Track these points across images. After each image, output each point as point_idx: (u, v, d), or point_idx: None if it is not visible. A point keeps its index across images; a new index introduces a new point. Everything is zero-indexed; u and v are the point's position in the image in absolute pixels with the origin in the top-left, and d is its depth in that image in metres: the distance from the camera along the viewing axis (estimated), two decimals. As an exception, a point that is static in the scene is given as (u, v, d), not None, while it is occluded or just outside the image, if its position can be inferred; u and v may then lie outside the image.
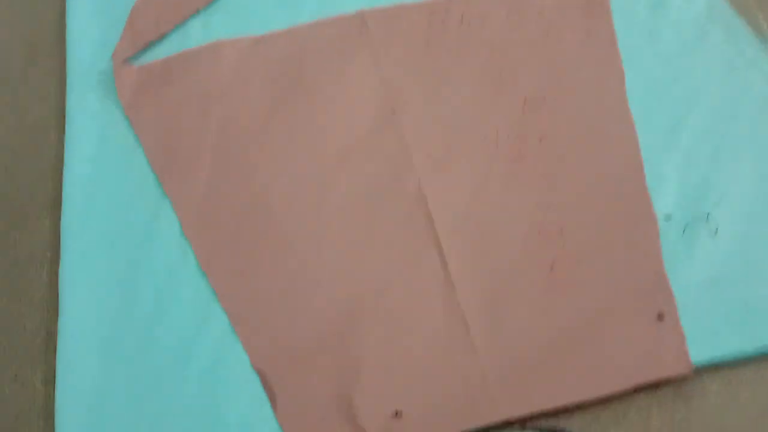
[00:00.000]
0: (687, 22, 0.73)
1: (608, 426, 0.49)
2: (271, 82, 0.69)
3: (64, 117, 0.67)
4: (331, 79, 0.69)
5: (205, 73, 0.69)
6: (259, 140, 0.65)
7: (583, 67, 0.69)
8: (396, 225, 0.59)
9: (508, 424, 0.48)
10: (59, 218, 0.60)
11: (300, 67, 0.70)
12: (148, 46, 0.72)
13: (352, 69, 0.70)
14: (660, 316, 0.52)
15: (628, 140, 0.63)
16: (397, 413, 0.49)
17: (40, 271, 0.58)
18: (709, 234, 0.57)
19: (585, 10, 0.73)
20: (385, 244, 0.58)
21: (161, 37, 0.73)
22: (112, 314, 0.55)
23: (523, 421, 0.48)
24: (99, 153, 0.64)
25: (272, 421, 0.50)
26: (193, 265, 0.58)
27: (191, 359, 0.53)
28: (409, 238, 0.58)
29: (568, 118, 0.65)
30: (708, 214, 0.58)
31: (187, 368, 0.53)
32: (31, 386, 0.52)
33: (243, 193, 0.62)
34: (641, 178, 0.60)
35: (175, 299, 0.56)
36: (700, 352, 0.51)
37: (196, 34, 0.73)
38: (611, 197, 0.59)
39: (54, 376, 0.51)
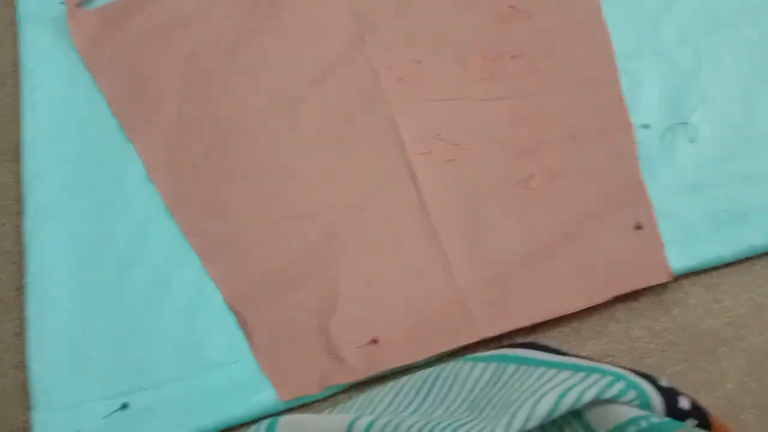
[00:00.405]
0: None
1: (588, 338, 0.48)
2: (235, 11, 0.66)
3: (18, 64, 0.64)
4: (297, 4, 0.66)
5: (166, 7, 0.66)
6: (225, 71, 0.63)
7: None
8: (368, 152, 0.58)
9: (483, 342, 0.47)
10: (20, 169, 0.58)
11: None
12: (101, -13, 0.69)
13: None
14: (638, 226, 0.51)
15: (602, 47, 0.61)
16: (374, 340, 0.48)
17: (5, 222, 0.56)
18: (688, 140, 0.55)
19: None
20: (357, 172, 0.57)
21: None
22: (83, 261, 0.54)
23: (499, 338, 0.47)
24: (58, 99, 0.62)
25: (251, 355, 0.49)
26: (163, 207, 0.56)
27: (167, 299, 0.52)
28: (381, 164, 0.57)
29: (541, 29, 0.63)
30: (687, 121, 0.56)
31: (164, 308, 0.52)
32: (3, 341, 0.51)
33: (211, 126, 0.60)
34: (616, 87, 0.58)
35: (148, 242, 0.55)
36: (680, 259, 0.50)
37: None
38: (586, 108, 0.57)
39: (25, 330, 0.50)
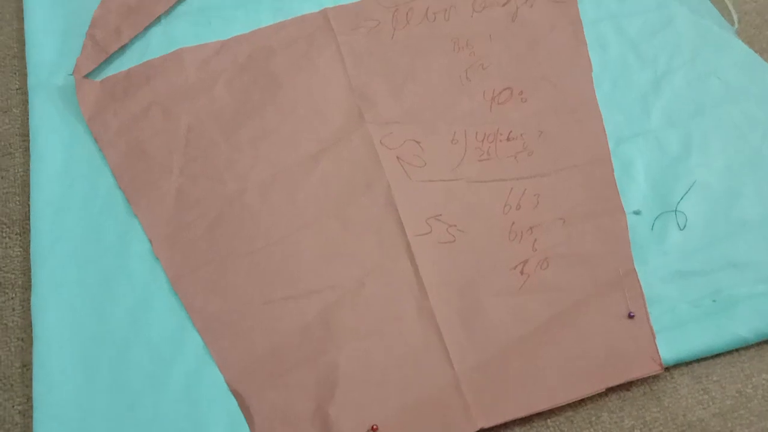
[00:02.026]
0: (652, 6, 0.72)
1: (582, 427, 0.49)
2: (236, 86, 0.68)
3: (28, 134, 0.66)
4: (298, 81, 0.68)
5: (168, 81, 0.68)
6: (226, 146, 0.64)
7: (549, 56, 0.69)
8: (367, 231, 0.59)
9: (482, 432, 0.48)
10: (29, 242, 0.59)
11: (265, 69, 0.69)
12: (109, 57, 0.70)
13: (318, 68, 0.69)
14: (630, 316, 0.52)
15: (595, 130, 0.63)
16: (373, 428, 0.49)
17: (12, 296, 0.57)
18: (678, 228, 0.57)
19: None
20: (356, 252, 0.58)
21: (122, 48, 0.71)
22: (86, 338, 0.55)
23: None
24: (65, 171, 0.64)
25: (251, 439, 0.50)
26: (166, 283, 0.57)
27: (168, 379, 0.53)
28: (380, 244, 0.58)
29: (536, 110, 0.65)
30: (676, 208, 0.58)
31: (165, 388, 0.53)
32: (9, 419, 0.52)
33: (212, 201, 0.61)
34: (609, 171, 0.60)
35: (150, 319, 0.56)
36: (670, 349, 0.51)
37: (157, 43, 0.72)
38: (579, 191, 0.59)
39: (31, 408, 0.51)
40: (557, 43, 0.69)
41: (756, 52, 0.69)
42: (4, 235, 0.60)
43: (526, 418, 0.50)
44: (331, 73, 0.68)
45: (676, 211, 0.58)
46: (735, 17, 0.72)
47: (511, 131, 0.63)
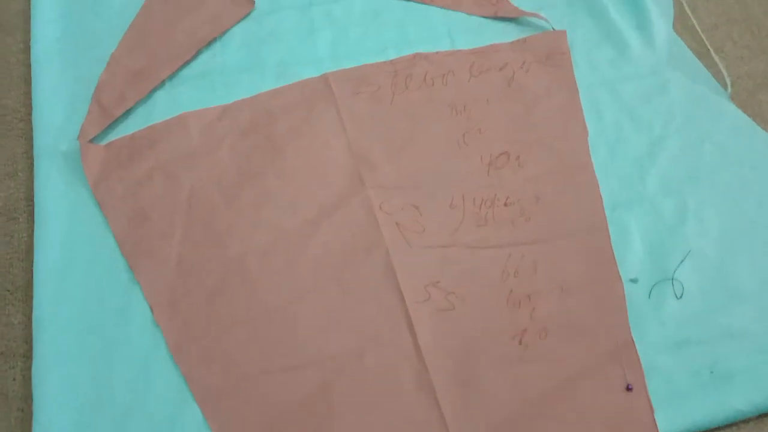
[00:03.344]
0: (647, 72, 0.74)
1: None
2: (239, 150, 0.69)
3: (32, 198, 0.67)
4: (299, 145, 0.69)
5: (172, 145, 0.69)
6: (227, 210, 0.65)
7: (546, 121, 0.70)
8: (366, 298, 0.59)
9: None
10: (31, 309, 0.59)
11: (267, 133, 0.70)
12: (114, 121, 0.72)
13: (319, 133, 0.70)
14: (629, 388, 0.53)
15: (591, 195, 0.64)
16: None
17: (13, 365, 0.57)
18: (675, 296, 0.57)
19: (547, 63, 0.74)
20: (355, 320, 0.58)
21: (127, 111, 0.72)
22: (86, 408, 0.55)
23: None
24: (69, 237, 0.64)
25: None
26: (167, 351, 0.58)
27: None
28: (379, 312, 0.59)
29: (532, 175, 0.66)
30: (673, 276, 0.58)
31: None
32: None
33: (212, 267, 0.62)
34: (606, 239, 0.61)
35: (149, 389, 0.56)
36: (669, 422, 0.51)
37: (161, 107, 0.74)
38: (576, 259, 0.60)
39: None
40: (553, 107, 0.71)
41: (749, 116, 0.70)
42: (7, 302, 0.61)
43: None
44: (332, 137, 0.70)
45: (672, 279, 0.58)
46: (728, 81, 0.73)
47: (508, 196, 0.64)
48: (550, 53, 0.74)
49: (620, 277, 0.58)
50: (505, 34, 0.78)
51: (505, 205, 0.64)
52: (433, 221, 0.63)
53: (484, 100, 0.72)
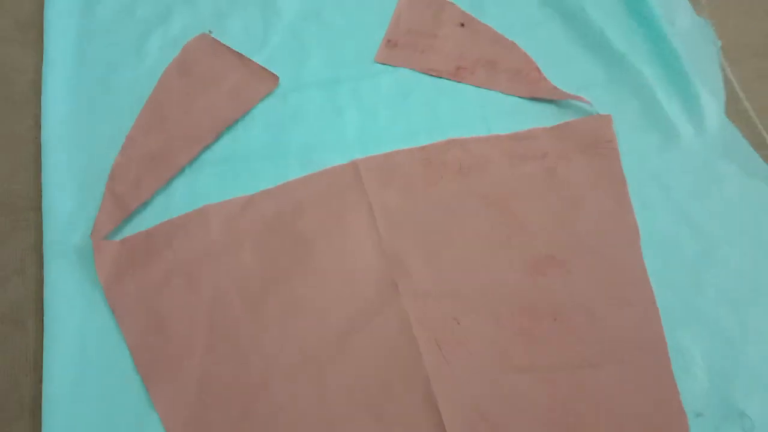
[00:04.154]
0: (699, 164, 0.69)
1: None
2: (263, 249, 0.65)
3: (41, 299, 0.62)
4: (328, 244, 0.65)
5: (192, 243, 0.65)
6: (252, 322, 0.61)
7: (592, 220, 0.65)
8: (403, 430, 0.54)
9: None
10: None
11: (293, 229, 0.66)
12: (130, 215, 0.67)
13: (349, 230, 0.66)
14: None
15: (648, 318, 0.59)
16: None
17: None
18: (745, 434, 0.52)
19: (591, 152, 0.69)
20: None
21: (143, 204, 0.68)
22: None
23: None
24: (80, 351, 0.60)
25: None
26: (185, 485, 0.53)
27: None
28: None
29: (582, 286, 0.61)
30: (739, 407, 0.53)
31: None
32: None
33: (235, 389, 0.57)
34: (667, 369, 0.56)
35: None
36: None
37: (180, 196, 0.69)
38: (634, 393, 0.55)
39: None
40: (600, 204, 0.66)
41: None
42: (12, 429, 0.56)
43: None
44: (363, 234, 0.65)
45: (740, 414, 0.53)
46: (787, 176, 0.68)
47: (556, 310, 0.59)
48: (595, 141, 0.70)
49: (684, 412, 0.53)
50: (544, 116, 0.73)
51: (554, 320, 0.59)
52: (476, 338, 0.58)
53: (525, 194, 0.67)
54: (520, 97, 0.75)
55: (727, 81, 0.74)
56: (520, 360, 0.57)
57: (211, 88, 0.77)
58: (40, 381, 0.58)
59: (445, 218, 0.66)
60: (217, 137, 0.73)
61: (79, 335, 0.60)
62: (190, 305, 0.61)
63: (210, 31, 0.82)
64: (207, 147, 0.73)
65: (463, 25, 0.81)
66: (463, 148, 0.70)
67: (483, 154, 0.70)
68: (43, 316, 0.62)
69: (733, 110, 0.73)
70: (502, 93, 0.76)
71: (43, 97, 0.76)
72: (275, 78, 0.77)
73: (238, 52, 0.79)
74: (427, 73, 0.77)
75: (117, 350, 0.60)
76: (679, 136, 0.71)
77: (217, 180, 0.70)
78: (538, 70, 0.76)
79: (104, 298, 0.62)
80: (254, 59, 0.79)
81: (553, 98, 0.74)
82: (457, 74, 0.77)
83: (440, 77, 0.77)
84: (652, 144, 0.70)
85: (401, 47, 0.79)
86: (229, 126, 0.74)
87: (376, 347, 0.58)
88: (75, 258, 0.65)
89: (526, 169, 0.68)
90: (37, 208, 0.69)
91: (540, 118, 0.73)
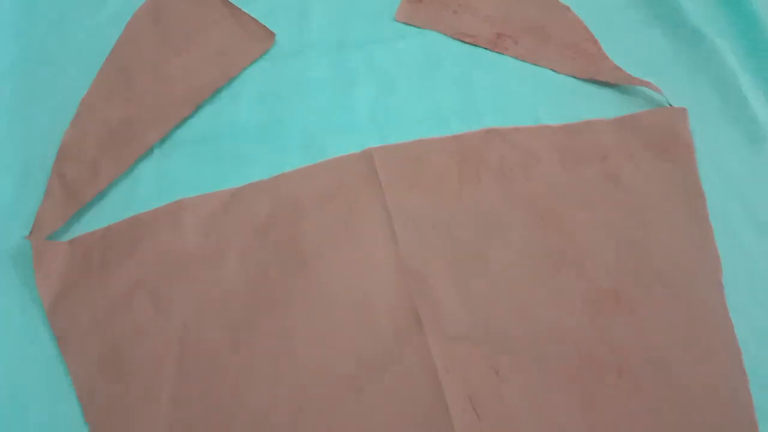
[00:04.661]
0: (795, 176, 0.56)
1: None
2: (251, 262, 0.51)
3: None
4: (333, 259, 0.52)
5: (161, 249, 0.51)
6: (236, 361, 0.48)
7: (664, 246, 0.52)
8: None
9: None
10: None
11: (291, 237, 0.52)
12: (83, 206, 0.53)
13: (361, 241, 0.52)
14: None
15: (733, 375, 0.47)
16: None
17: None
18: None
19: (662, 155, 0.56)
20: None
21: (100, 192, 0.54)
22: None
23: None
24: (9, 392, 0.46)
25: None
26: None
27: None
28: None
29: (649, 329, 0.49)
30: None
31: None
32: None
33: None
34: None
35: None
36: None
37: (147, 183, 0.55)
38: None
39: None
40: (674, 225, 0.53)
41: None
42: None
43: None
44: (379, 247, 0.52)
45: None
46: None
47: (621, 363, 0.47)
48: (667, 141, 0.56)
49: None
50: (603, 103, 0.59)
51: (619, 375, 0.46)
52: (520, 396, 0.46)
53: (581, 205, 0.54)
54: (573, 77, 0.61)
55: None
56: (574, 426, 0.45)
57: (190, 45, 0.61)
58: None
59: (480, 231, 0.52)
60: (196, 109, 0.58)
61: (10, 370, 0.47)
62: (157, 333, 0.48)
63: (191, -31, 0.65)
64: (183, 121, 0.58)
65: (505, -20, 0.65)
66: (506, 141, 0.56)
67: (530, 149, 0.56)
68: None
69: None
70: (552, 70, 0.61)
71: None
72: (271, 35, 0.62)
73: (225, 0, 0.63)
74: (460, 39, 0.63)
75: (59, 391, 0.46)
76: (766, 138, 0.57)
77: (195, 165, 0.56)
78: (597, 43, 0.62)
79: (45, 320, 0.48)
80: (246, 9, 0.63)
81: (614, 82, 0.60)
82: (497, 43, 0.62)
83: (476, 45, 0.62)
84: (733, 146, 0.57)
85: (428, 3, 0.64)
86: (212, 95, 0.59)
87: (395, 402, 0.46)
88: (9, 265, 0.51)
89: (583, 173, 0.55)
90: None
91: (598, 105, 0.59)
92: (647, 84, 0.59)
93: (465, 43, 0.63)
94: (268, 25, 0.62)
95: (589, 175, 0.55)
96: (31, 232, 0.50)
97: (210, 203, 0.53)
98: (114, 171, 0.54)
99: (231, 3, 0.63)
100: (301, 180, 0.54)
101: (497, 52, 0.62)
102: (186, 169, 0.56)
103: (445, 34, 0.63)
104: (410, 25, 0.64)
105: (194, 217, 0.52)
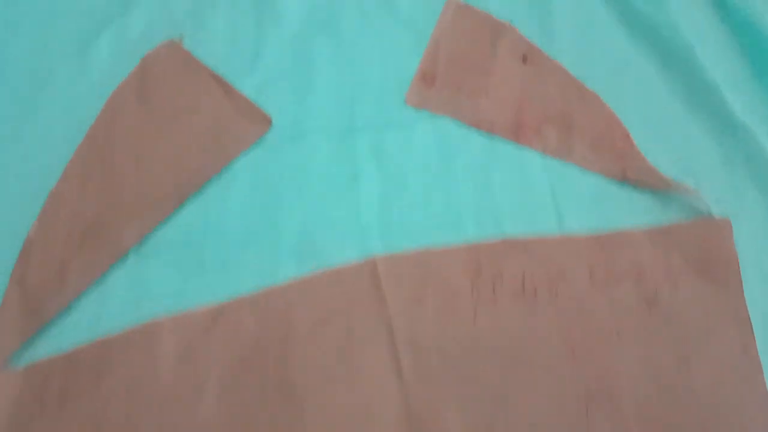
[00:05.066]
0: None
1: None
2: (232, 399, 0.44)
3: None
4: (327, 398, 0.45)
5: (132, 380, 0.45)
6: None
7: (708, 385, 0.46)
8: None
9: None
10: None
11: (281, 368, 0.46)
12: (46, 323, 0.46)
13: (361, 374, 0.46)
14: None
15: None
16: None
17: None
18: None
19: (705, 275, 0.49)
20: None
21: (66, 305, 0.47)
22: None
23: None
24: None
25: None
26: None
27: None
28: None
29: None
30: None
31: None
32: None
33: None
34: None
35: None
36: None
37: (120, 294, 0.49)
38: None
39: None
40: (718, 359, 0.47)
41: None
42: None
43: None
44: (380, 385, 0.45)
45: None
46: None
47: None
48: (709, 259, 0.50)
49: None
50: (637, 209, 0.53)
51: None
52: None
53: (614, 332, 0.47)
54: (602, 175, 0.54)
55: None
56: None
57: (178, 127, 0.55)
58: None
59: (500, 363, 0.46)
60: (181, 204, 0.52)
61: None
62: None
63: (181, 36, 0.59)
64: (166, 218, 0.51)
65: (526, 59, 0.59)
66: (528, 253, 0.50)
67: (556, 263, 0.50)
68: None
69: None
70: (578, 167, 0.55)
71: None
72: (267, 119, 0.56)
73: (217, 75, 0.57)
74: (477, 128, 0.56)
75: None
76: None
77: (175, 272, 0.49)
78: (629, 138, 0.55)
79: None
80: (239, 85, 0.57)
81: (648, 186, 0.53)
82: (518, 133, 0.56)
83: (495, 135, 0.56)
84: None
85: (441, 86, 0.58)
86: (198, 188, 0.52)
87: None
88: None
89: (616, 295, 0.48)
90: None
91: (630, 210, 0.53)
92: (686, 189, 0.52)
93: (483, 132, 0.56)
94: (263, 104, 0.56)
95: (622, 297, 0.48)
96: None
97: (190, 324, 0.47)
98: (84, 279, 0.48)
99: (223, 80, 0.57)
100: (294, 296, 0.48)
101: (518, 144, 0.56)
102: (165, 277, 0.49)
103: (460, 121, 0.57)
104: (422, 109, 0.57)
105: (172, 341, 0.46)
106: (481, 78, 0.58)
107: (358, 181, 0.54)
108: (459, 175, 0.54)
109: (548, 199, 0.53)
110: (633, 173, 0.54)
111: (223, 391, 0.44)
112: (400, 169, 0.55)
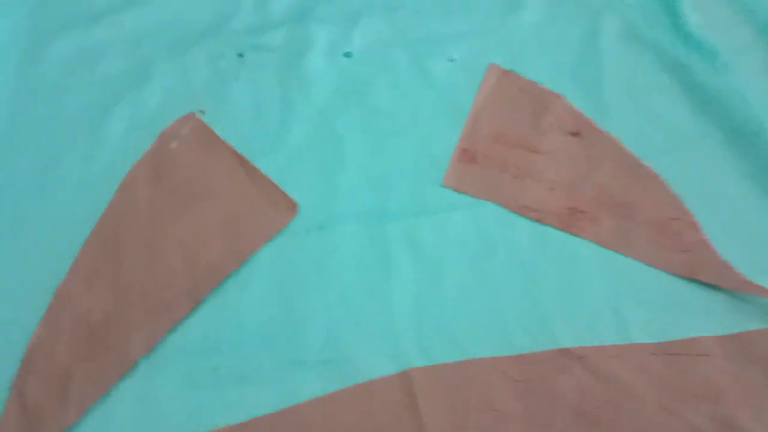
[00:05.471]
0: None
1: None
2: None
3: None
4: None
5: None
6: None
7: None
8: None
9: None
10: None
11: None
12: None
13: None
14: None
15: None
16: None
17: None
18: None
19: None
20: None
21: (70, 426, 0.42)
22: None
23: None
24: None
25: None
26: None
27: None
28: None
29: None
30: None
31: None
32: None
33: None
34: None
35: None
36: None
37: (128, 409, 0.44)
38: None
39: None
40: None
41: None
42: None
43: None
44: None
45: None
46: None
47: None
48: (796, 375, 0.43)
49: None
50: (707, 311, 0.47)
51: None
52: None
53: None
54: (667, 271, 0.48)
55: None
56: None
57: (195, 213, 0.50)
58: None
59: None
60: (198, 303, 0.47)
61: None
62: None
63: (201, 111, 0.55)
64: (180, 321, 0.46)
65: (577, 134, 0.53)
66: (585, 367, 0.44)
67: (616, 377, 0.43)
68: None
69: None
70: (639, 261, 0.48)
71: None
72: (293, 205, 0.51)
73: (239, 153, 0.52)
74: (522, 214, 0.50)
75: None
76: None
77: (187, 385, 0.45)
78: (697, 227, 0.49)
79: None
80: (262, 164, 0.52)
81: (719, 284, 0.47)
82: (569, 221, 0.50)
83: (543, 222, 0.50)
84: None
85: (482, 165, 0.53)
86: (215, 286, 0.47)
87: None
88: None
89: (689, 417, 0.42)
90: None
91: (699, 311, 0.47)
92: (763, 290, 0.46)
93: (530, 219, 0.50)
94: (287, 185, 0.51)
95: (697, 422, 0.42)
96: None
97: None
98: (89, 394, 0.43)
99: (245, 159, 0.52)
100: (320, 416, 0.42)
101: (569, 233, 0.50)
102: (176, 391, 0.44)
103: (504, 206, 0.51)
104: (461, 192, 0.52)
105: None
106: (526, 156, 0.53)
107: (391, 275, 0.49)
108: (502, 269, 0.49)
109: (604, 297, 0.48)
110: (701, 269, 0.47)
111: None
112: (437, 261, 0.49)
